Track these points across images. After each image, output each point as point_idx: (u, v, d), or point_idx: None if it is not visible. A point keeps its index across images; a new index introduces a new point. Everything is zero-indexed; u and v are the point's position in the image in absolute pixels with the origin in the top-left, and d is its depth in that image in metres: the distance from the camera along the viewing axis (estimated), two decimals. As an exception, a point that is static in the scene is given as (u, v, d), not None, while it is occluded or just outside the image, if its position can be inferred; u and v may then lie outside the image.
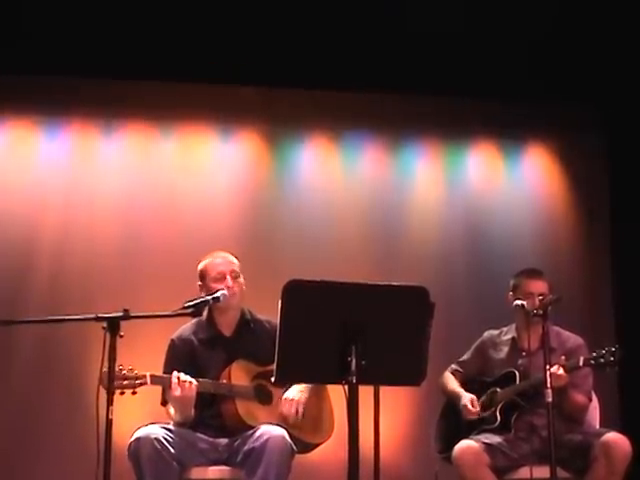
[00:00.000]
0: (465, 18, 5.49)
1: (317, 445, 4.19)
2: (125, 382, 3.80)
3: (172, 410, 4.03)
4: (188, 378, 3.90)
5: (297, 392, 4.08)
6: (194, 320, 4.22)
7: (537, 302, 4.22)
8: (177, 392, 3.87)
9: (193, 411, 4.00)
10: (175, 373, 3.90)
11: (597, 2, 5.43)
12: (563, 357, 4.20)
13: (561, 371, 4.10)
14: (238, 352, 4.14)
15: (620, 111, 6.26)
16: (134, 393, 3.86)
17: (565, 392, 4.20)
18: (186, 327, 4.27)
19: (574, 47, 5.80)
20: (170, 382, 3.88)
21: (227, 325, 4.23)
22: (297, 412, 4.05)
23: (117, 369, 3.50)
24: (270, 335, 3.95)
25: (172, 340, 4.23)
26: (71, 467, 5.24)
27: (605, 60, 5.89)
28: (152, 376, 3.91)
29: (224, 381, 4.06)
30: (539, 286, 4.40)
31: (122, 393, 3.73)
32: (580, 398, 4.31)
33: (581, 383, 4.29)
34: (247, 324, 4.25)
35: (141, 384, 3.88)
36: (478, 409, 4.40)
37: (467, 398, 4.44)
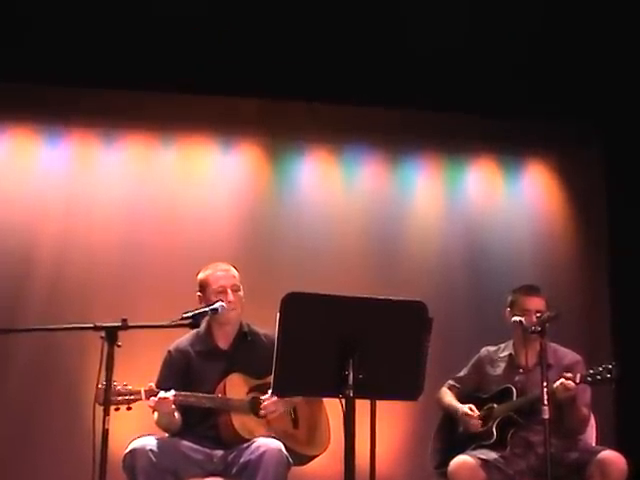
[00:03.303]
0: (465, 35, 5.52)
1: (313, 457, 4.19)
2: (119, 398, 3.81)
3: (155, 415, 4.03)
4: (164, 394, 3.89)
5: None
6: (193, 332, 4.23)
7: (534, 319, 4.22)
8: (151, 403, 3.91)
9: (177, 419, 4.01)
10: (153, 398, 3.91)
11: (593, 20, 5.46)
12: (569, 375, 4.18)
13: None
14: (234, 365, 4.14)
15: (617, 127, 6.27)
16: (129, 409, 3.88)
17: (573, 403, 4.20)
18: (184, 339, 4.27)
19: (572, 64, 5.82)
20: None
21: (224, 338, 4.23)
22: (273, 412, 4.03)
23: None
24: (266, 349, 3.95)
25: (169, 352, 4.24)
26: (67, 477, 5.22)
27: (602, 77, 5.91)
28: (147, 391, 3.92)
29: (219, 395, 4.06)
30: (536, 303, 4.40)
31: (117, 409, 3.73)
32: (584, 410, 4.31)
33: (580, 397, 4.28)
34: (244, 337, 4.25)
35: (135, 400, 3.89)
36: (478, 414, 4.39)
37: (465, 406, 4.44)
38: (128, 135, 6.08)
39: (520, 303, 4.43)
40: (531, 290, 4.48)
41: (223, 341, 4.23)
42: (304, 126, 6.20)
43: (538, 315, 4.19)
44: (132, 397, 3.89)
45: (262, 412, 4.03)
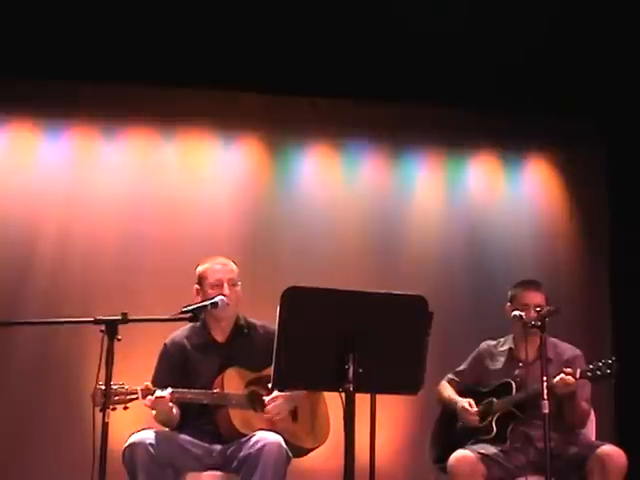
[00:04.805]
0: (467, 31, 5.51)
1: (313, 449, 4.17)
2: (116, 398, 3.79)
3: (154, 412, 4.02)
4: (161, 393, 3.89)
5: (286, 395, 4.04)
6: (189, 324, 4.21)
7: (534, 313, 4.23)
8: (148, 402, 3.90)
9: (175, 415, 4.01)
10: (149, 397, 3.90)
11: (595, 16, 5.45)
12: (568, 369, 4.18)
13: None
14: (231, 359, 4.13)
15: (619, 124, 6.27)
16: (126, 408, 3.86)
17: (573, 398, 4.20)
18: (180, 331, 4.26)
19: (573, 60, 5.82)
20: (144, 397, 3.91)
21: (221, 331, 4.22)
22: (278, 414, 4.02)
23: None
24: (264, 341, 3.98)
25: (165, 345, 4.22)
26: (67, 472, 5.22)
27: (605, 73, 5.91)
28: (143, 390, 3.91)
29: (217, 389, 4.04)
30: (536, 298, 4.40)
31: (114, 409, 3.70)
32: (584, 404, 4.31)
33: (580, 391, 4.27)
34: (241, 330, 4.23)
35: (132, 399, 3.88)
36: (476, 409, 4.39)
37: (464, 400, 4.44)
38: (128, 129, 6.08)
39: (520, 298, 4.43)
40: (531, 285, 4.48)
41: (219, 334, 4.22)
42: (305, 121, 6.20)
43: (538, 310, 4.21)
44: (129, 397, 3.87)
45: (267, 415, 4.00)
